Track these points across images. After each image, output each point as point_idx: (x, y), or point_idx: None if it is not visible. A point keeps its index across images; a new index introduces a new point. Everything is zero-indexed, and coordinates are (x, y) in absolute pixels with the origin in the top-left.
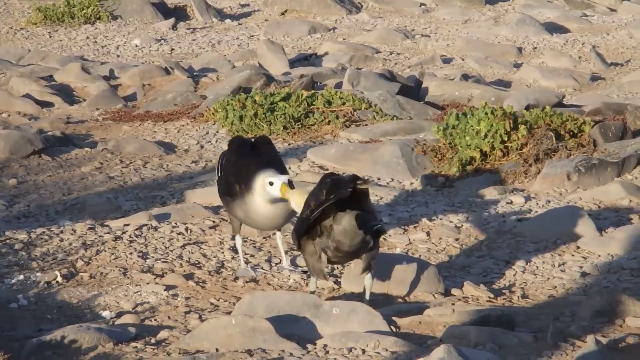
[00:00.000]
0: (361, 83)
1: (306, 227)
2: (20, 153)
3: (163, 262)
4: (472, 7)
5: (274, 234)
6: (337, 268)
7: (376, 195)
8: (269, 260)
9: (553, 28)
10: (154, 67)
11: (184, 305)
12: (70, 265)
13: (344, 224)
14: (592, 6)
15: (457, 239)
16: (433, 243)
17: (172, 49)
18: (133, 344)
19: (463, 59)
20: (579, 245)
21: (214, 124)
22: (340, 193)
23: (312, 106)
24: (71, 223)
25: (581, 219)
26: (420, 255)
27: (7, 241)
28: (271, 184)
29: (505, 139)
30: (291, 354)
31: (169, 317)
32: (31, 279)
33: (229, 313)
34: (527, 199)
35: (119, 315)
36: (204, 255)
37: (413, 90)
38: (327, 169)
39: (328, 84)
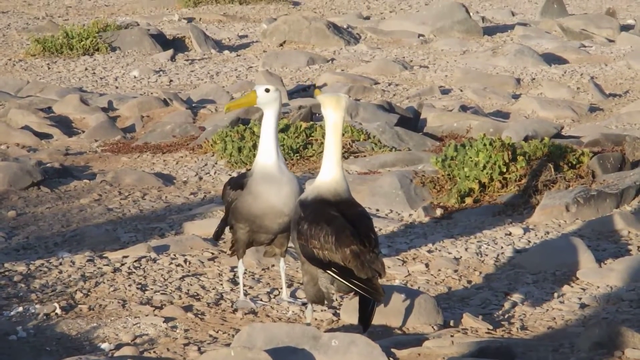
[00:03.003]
0: (360, 114)
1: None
2: (19, 185)
3: (162, 294)
4: (471, 38)
5: (278, 260)
6: (336, 299)
7: (375, 227)
8: (268, 292)
9: (551, 59)
10: (152, 99)
11: (183, 337)
12: (69, 297)
13: (344, 289)
14: (590, 37)
15: (455, 271)
16: (432, 274)
17: (171, 80)
18: None
19: (461, 90)
20: (577, 277)
21: (213, 155)
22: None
23: (311, 137)
24: (70, 255)
25: (580, 250)
26: (419, 287)
27: (6, 273)
28: (267, 90)
29: (504, 170)
30: None
31: (168, 349)
32: (30, 310)
33: (228, 345)
34: (526, 230)
35: (118, 347)
36: (203, 287)
37: (411, 121)
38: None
39: None
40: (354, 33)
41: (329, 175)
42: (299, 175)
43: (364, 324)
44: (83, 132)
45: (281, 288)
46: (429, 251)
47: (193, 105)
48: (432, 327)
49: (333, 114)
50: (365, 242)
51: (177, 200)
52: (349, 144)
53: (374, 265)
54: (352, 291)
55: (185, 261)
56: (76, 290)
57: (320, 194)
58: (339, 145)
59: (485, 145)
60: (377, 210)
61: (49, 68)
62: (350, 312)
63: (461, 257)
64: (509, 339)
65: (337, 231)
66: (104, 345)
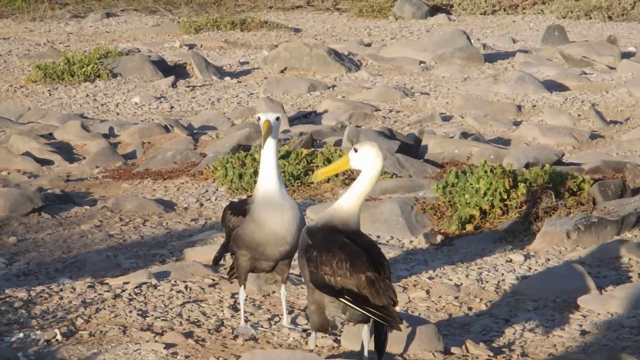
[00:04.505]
0: (361, 141)
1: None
2: (20, 211)
3: (162, 320)
4: (472, 65)
5: (279, 286)
6: (339, 327)
7: None
8: (269, 319)
9: (552, 86)
10: (153, 125)
11: None
12: (70, 323)
13: (356, 318)
14: (591, 64)
15: (456, 297)
16: (433, 301)
17: (172, 107)
18: None
19: (462, 117)
20: (578, 304)
21: (214, 182)
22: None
23: (312, 164)
24: (71, 281)
25: (581, 277)
26: (419, 314)
27: (7, 299)
28: (258, 119)
29: (505, 197)
30: None
31: None
32: (31, 337)
33: None
34: (527, 257)
35: None
36: (204, 314)
37: (412, 148)
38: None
39: (327, 141)
40: (355, 60)
41: (347, 204)
42: (300, 202)
43: (379, 351)
44: (84, 158)
45: (282, 314)
46: (430, 278)
47: (194, 131)
48: (433, 353)
49: (378, 162)
50: (380, 269)
51: (178, 227)
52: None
53: (388, 292)
54: (365, 319)
55: (186, 287)
56: (77, 317)
57: (331, 221)
58: (369, 189)
59: (486, 172)
60: (378, 236)
61: (50, 94)
62: (350, 338)
63: (462, 283)
64: None
65: (352, 257)
66: None
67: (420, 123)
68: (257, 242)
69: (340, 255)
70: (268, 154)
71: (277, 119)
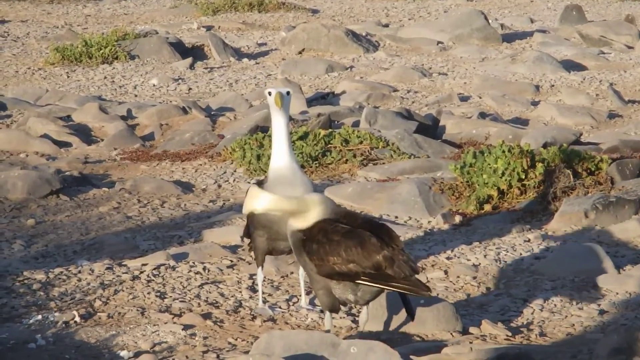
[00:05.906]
0: (378, 121)
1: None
2: (38, 193)
3: (181, 301)
4: (489, 45)
5: (297, 267)
6: (355, 307)
7: None
8: (287, 300)
9: (570, 66)
10: (171, 107)
11: (201, 344)
12: (88, 305)
13: (369, 297)
14: (609, 44)
15: (474, 277)
16: (451, 281)
17: (190, 89)
18: None
19: (480, 97)
20: (596, 283)
21: (232, 163)
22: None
23: (330, 145)
24: (89, 263)
25: (599, 257)
26: (437, 294)
27: (25, 281)
28: (270, 93)
29: (523, 177)
30: None
31: (186, 357)
32: (49, 319)
33: (246, 352)
34: (545, 237)
35: (137, 355)
36: (222, 295)
37: (430, 128)
38: (344, 208)
39: (345, 122)
40: (373, 41)
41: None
42: (318, 183)
43: (411, 314)
44: (102, 140)
45: (300, 295)
46: (448, 258)
47: (212, 113)
48: (451, 333)
49: None
50: (391, 243)
51: (196, 208)
52: (368, 151)
53: (408, 262)
54: (378, 295)
55: (204, 269)
56: (95, 299)
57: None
58: None
59: (504, 152)
60: (396, 217)
61: (68, 77)
62: (368, 319)
63: (480, 263)
64: (528, 346)
65: (361, 241)
66: (123, 353)
67: (438, 103)
68: (271, 220)
69: (346, 242)
70: (279, 131)
71: (288, 93)
